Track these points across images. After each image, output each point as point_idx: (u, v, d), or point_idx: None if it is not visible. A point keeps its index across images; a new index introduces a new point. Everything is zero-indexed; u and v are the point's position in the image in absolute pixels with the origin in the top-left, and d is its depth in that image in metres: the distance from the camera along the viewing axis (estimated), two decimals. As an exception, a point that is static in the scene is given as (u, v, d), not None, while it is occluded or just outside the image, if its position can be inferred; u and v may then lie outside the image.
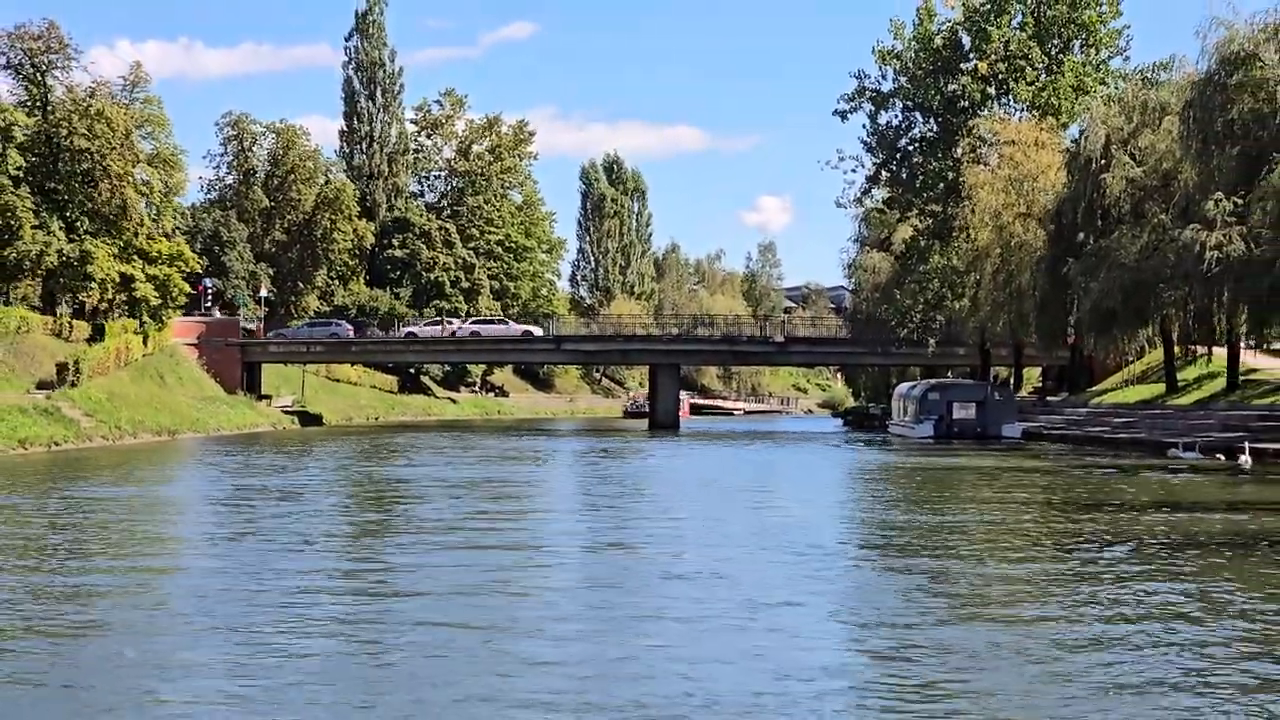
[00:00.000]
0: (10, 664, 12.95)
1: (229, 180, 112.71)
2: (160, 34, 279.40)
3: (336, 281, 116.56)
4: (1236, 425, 52.71)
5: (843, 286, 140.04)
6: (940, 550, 22.01)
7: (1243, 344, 67.38)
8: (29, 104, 73.77)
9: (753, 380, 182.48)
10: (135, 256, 74.25)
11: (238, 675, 12.49)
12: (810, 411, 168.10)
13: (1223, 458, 45.21)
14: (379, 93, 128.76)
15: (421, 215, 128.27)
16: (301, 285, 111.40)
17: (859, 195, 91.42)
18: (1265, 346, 68.44)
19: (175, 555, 22.12)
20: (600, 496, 35.09)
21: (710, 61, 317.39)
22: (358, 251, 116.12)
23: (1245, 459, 43.44)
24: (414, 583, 18.30)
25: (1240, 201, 50.29)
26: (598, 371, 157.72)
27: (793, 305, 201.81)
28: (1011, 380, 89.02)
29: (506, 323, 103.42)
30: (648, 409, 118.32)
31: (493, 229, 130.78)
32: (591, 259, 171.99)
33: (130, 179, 72.70)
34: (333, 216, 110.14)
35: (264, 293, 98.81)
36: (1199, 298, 53.68)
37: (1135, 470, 42.83)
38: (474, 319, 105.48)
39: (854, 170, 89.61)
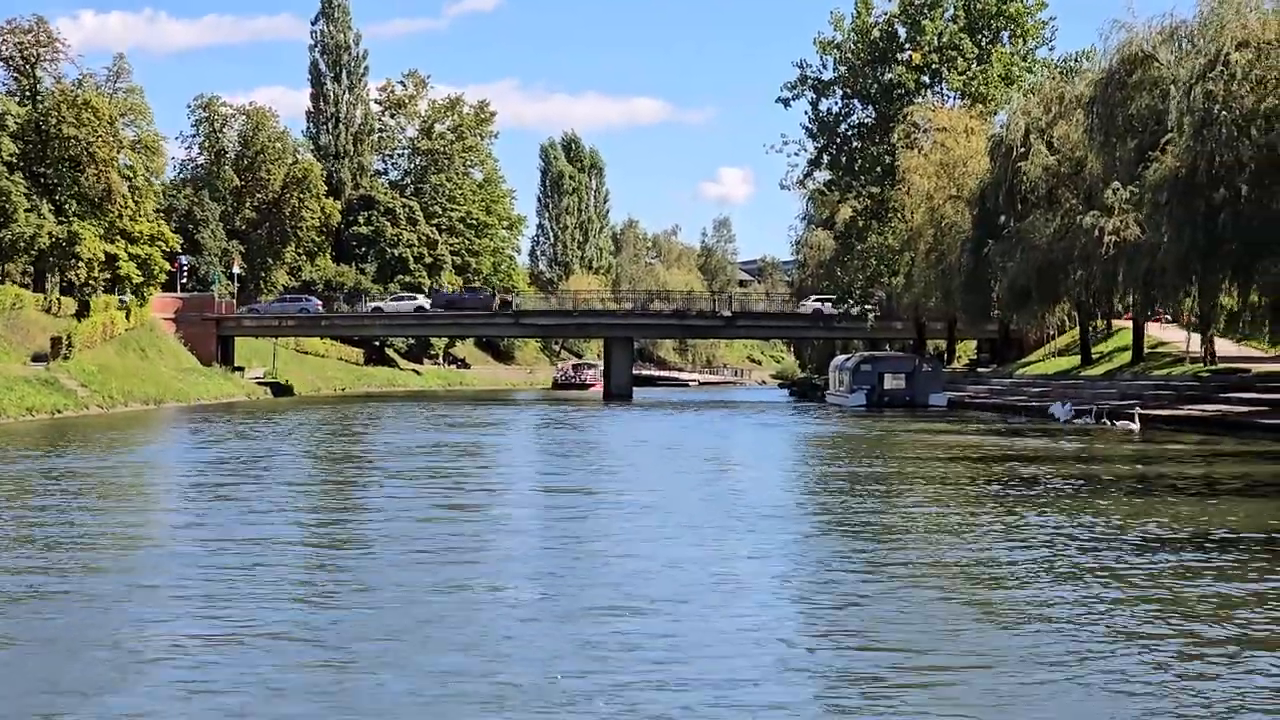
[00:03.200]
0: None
1: (200, 160, 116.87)
2: (124, 5, 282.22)
3: (304, 258, 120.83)
4: (1133, 394, 58.17)
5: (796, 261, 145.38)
6: (833, 490, 27.20)
7: (1162, 319, 73.10)
8: (19, 94, 78.53)
9: (708, 352, 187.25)
10: (119, 236, 78.94)
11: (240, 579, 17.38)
12: (764, 382, 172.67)
13: (1109, 422, 50.64)
14: (344, 75, 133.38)
15: (386, 193, 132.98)
16: (271, 261, 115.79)
17: (801, 178, 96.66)
18: (1181, 321, 73.69)
19: (196, 502, 26.92)
20: (553, 454, 40.18)
21: (672, 33, 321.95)
22: (324, 228, 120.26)
23: (1130, 424, 48.90)
24: (390, 513, 23.28)
25: (1136, 190, 55.34)
26: (556, 344, 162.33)
27: (749, 278, 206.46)
28: (945, 353, 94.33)
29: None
30: (577, 380, 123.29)
31: (455, 206, 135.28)
32: (551, 234, 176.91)
33: (115, 164, 77.50)
34: (301, 195, 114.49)
35: (236, 269, 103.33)
36: (1098, 278, 58.87)
37: (1033, 433, 48.06)
38: (817, 296, 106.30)
39: (797, 154, 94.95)
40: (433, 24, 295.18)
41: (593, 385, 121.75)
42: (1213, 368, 58.48)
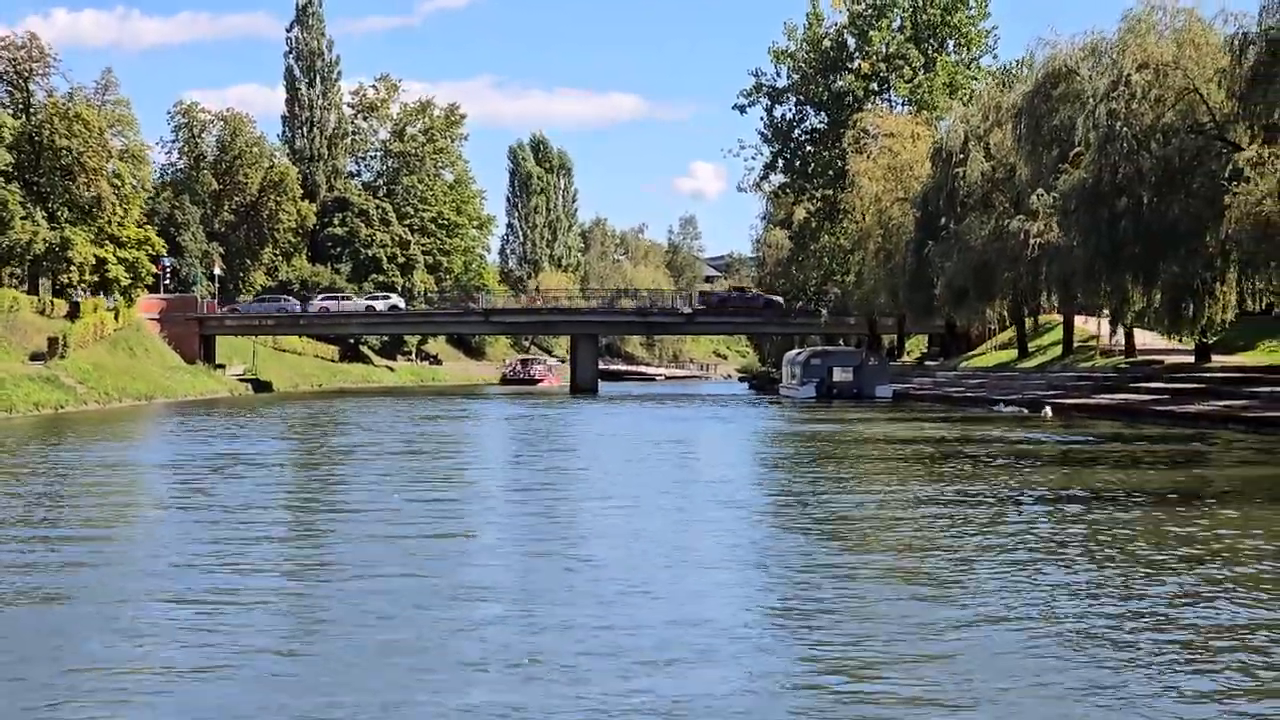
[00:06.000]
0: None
1: (180, 165, 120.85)
2: (97, 3, 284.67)
3: (281, 258, 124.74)
4: (1059, 385, 62.89)
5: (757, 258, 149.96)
6: (762, 462, 31.72)
7: (1098, 314, 77.43)
8: (13, 108, 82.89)
9: (674, 347, 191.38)
10: (108, 241, 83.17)
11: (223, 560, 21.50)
12: (729, 376, 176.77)
13: (1024, 410, 55.39)
14: (318, 80, 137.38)
15: (359, 195, 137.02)
16: (249, 262, 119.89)
17: (757, 181, 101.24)
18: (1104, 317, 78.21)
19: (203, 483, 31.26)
20: (519, 439, 44.72)
21: (647, 30, 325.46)
22: (300, 230, 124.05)
23: (1047, 411, 53.61)
24: (375, 488, 27.72)
25: (1059, 196, 59.86)
26: (526, 340, 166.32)
27: (716, 274, 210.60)
28: (895, 347, 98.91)
29: None
30: (526, 375, 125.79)
31: (426, 207, 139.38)
32: (520, 234, 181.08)
33: (104, 173, 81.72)
34: (278, 198, 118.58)
35: (217, 270, 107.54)
36: (1025, 278, 63.55)
37: (960, 420, 52.65)
38: None
39: (754, 158, 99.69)
40: (406, 21, 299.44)
41: (542, 380, 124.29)
42: (1131, 360, 63.11)
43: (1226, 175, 45.21)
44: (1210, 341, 56.97)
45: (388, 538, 19.36)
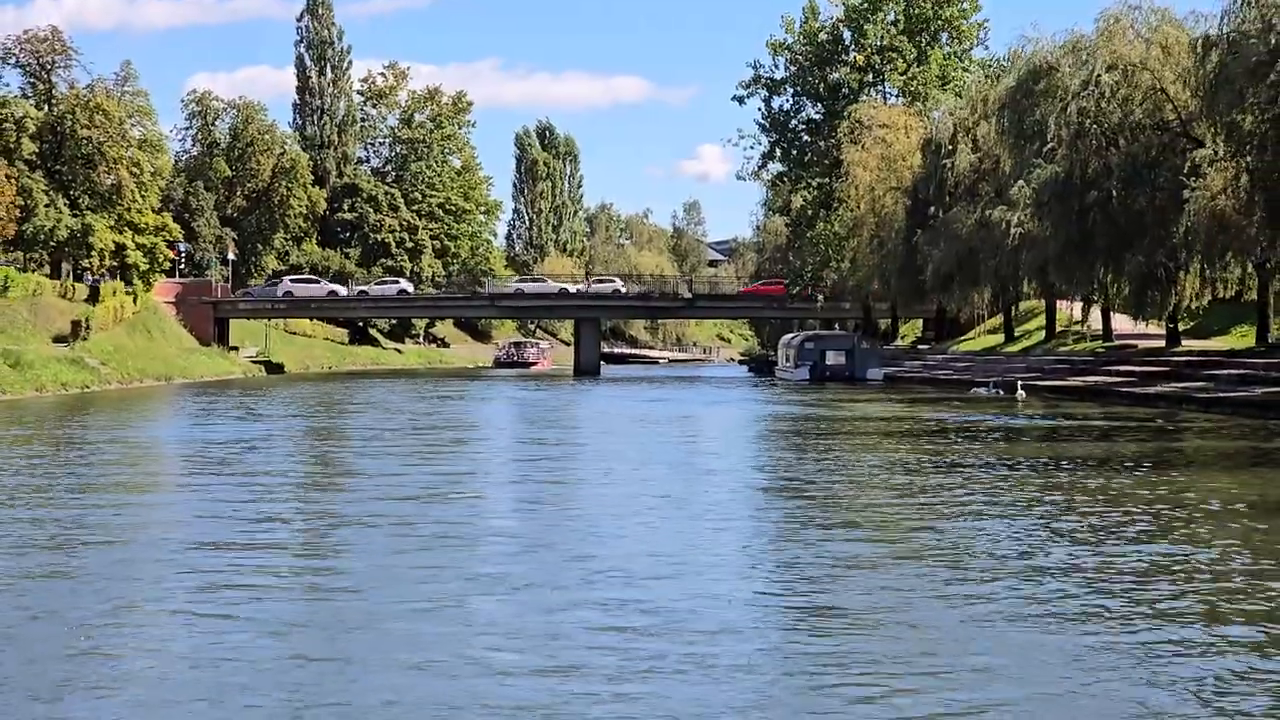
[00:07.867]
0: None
1: (194, 152, 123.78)
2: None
3: (292, 243, 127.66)
4: (1039, 368, 65.73)
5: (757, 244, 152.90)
6: (746, 437, 34.68)
7: (1071, 300, 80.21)
8: (36, 99, 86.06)
9: (677, 331, 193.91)
10: (127, 228, 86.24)
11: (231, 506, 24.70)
12: (732, 359, 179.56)
13: (1000, 391, 58.34)
14: (328, 69, 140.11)
15: (368, 181, 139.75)
16: (260, 247, 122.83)
17: (756, 170, 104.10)
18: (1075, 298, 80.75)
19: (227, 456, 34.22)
20: (521, 418, 47.74)
21: (653, 12, 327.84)
22: (310, 215, 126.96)
23: (1021, 392, 56.48)
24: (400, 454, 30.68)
25: (1034, 189, 62.56)
26: (532, 323, 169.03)
27: (720, 259, 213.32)
28: (890, 331, 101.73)
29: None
30: (519, 358, 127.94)
31: (434, 192, 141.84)
32: (526, 219, 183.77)
33: (123, 161, 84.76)
34: (289, 185, 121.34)
35: (230, 255, 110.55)
36: (1006, 265, 66.38)
37: (938, 401, 55.55)
38: None
39: (752, 148, 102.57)
40: (413, 3, 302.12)
41: (536, 363, 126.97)
42: (1108, 344, 65.99)
43: (1188, 171, 48.13)
44: (1181, 327, 59.92)
45: (403, 498, 22.24)
